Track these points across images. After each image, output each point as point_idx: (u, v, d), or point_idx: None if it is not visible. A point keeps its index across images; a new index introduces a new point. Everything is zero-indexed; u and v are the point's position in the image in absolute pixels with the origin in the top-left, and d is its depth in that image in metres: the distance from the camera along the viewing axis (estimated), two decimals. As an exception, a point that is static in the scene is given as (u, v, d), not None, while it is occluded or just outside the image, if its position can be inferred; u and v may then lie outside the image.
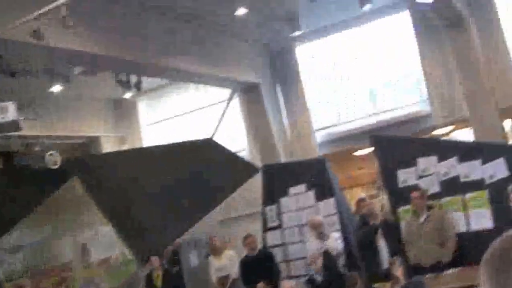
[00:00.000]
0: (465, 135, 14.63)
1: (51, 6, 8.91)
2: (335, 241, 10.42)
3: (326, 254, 10.14)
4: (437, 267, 9.32)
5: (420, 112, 14.96)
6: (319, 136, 15.81)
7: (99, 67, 12.69)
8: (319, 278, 9.94)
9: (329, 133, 15.97)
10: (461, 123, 14.30)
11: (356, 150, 16.82)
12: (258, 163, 14.41)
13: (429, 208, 9.67)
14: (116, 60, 12.22)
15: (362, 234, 10.52)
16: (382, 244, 10.16)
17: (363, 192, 16.22)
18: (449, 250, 9.40)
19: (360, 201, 10.94)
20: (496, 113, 13.67)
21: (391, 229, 10.15)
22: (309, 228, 10.74)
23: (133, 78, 13.01)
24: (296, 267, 11.33)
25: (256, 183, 13.38)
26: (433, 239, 9.44)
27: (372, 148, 17.40)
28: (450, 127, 15.02)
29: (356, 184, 17.27)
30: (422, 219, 9.58)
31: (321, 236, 10.38)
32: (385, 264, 10.03)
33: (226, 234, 14.24)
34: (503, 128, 13.99)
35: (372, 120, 15.48)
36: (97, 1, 11.43)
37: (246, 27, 14.67)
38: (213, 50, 14.41)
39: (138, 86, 13.12)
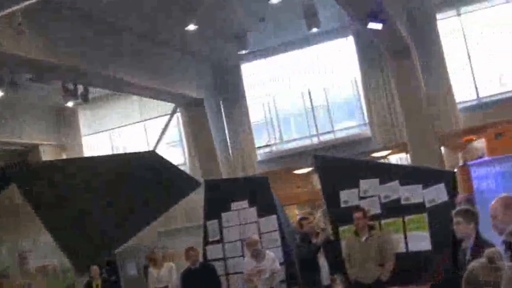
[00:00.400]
0: (402, 159, 14.95)
1: (5, 12, 8.75)
2: (271, 261, 10.42)
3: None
4: (376, 285, 9.47)
5: (360, 135, 15.23)
6: (260, 154, 15.90)
7: (47, 75, 12.49)
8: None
9: (271, 151, 16.08)
10: (399, 147, 14.62)
11: (295, 169, 16.98)
12: (199, 178, 14.40)
13: (371, 228, 9.83)
14: (64, 68, 12.06)
15: (303, 252, 10.58)
16: (323, 262, 10.25)
17: (298, 209, 16.38)
18: (388, 270, 9.58)
19: (302, 219, 11.02)
20: (434, 139, 14.03)
21: (332, 248, 10.27)
22: (245, 247, 10.76)
23: (80, 88, 12.85)
24: (236, 281, 11.32)
25: (197, 198, 13.34)
26: (374, 258, 9.59)
27: (311, 168, 17.69)
28: (388, 151, 15.34)
29: (292, 202, 17.39)
30: (363, 239, 9.73)
31: (256, 255, 10.39)
32: (325, 281, 10.14)
33: (165, 246, 14.13)
34: (441, 154, 14.34)
35: (313, 141, 15.67)
36: (50, 10, 11.28)
37: (194, 43, 14.69)
38: (159, 64, 14.38)
39: (85, 96, 12.97)
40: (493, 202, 5.59)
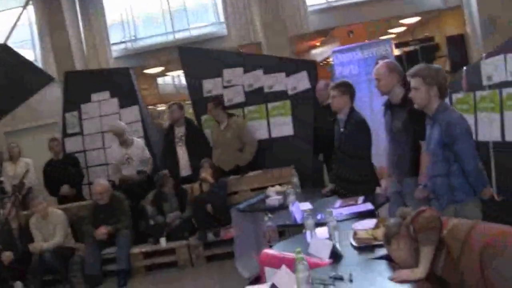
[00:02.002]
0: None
1: None
2: (139, 149, 10.27)
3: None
4: (239, 170, 9.64)
5: (216, 33, 15.12)
6: (115, 51, 15.38)
7: None
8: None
9: (126, 48, 15.61)
10: (253, 46, 14.69)
11: (147, 68, 16.70)
12: (53, 74, 13.87)
13: (230, 116, 9.89)
14: None
15: (164, 142, 10.55)
16: (182, 153, 10.23)
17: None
18: (247, 156, 9.73)
19: (169, 107, 10.82)
20: (286, 40, 14.25)
21: (196, 136, 10.26)
22: (111, 135, 10.47)
23: None
24: (96, 173, 11.10)
25: (48, 94, 12.82)
26: (233, 145, 9.69)
27: (163, 68, 17.49)
28: (242, 50, 15.37)
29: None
30: (222, 127, 9.79)
31: (124, 142, 10.21)
32: (184, 172, 10.14)
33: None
34: (292, 53, 14.56)
35: (168, 38, 15.40)
36: None
37: None
38: None
39: None
40: (377, 66, 5.81)
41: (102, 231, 8.94)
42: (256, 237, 7.52)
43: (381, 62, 5.90)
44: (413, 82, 4.74)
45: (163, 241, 9.04)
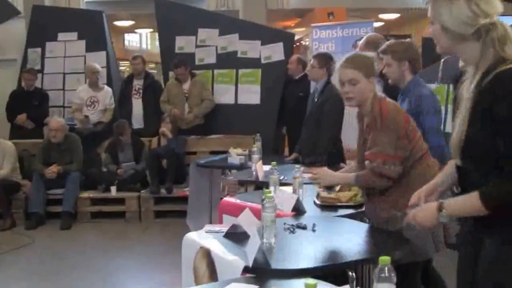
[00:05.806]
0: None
1: None
2: (108, 95, 10.23)
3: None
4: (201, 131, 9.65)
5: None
6: (89, -4, 15.07)
7: None
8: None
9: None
10: (230, 14, 14.61)
11: (119, 19, 16.52)
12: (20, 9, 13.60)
13: (192, 76, 9.86)
14: None
15: (121, 92, 10.51)
16: (138, 105, 10.20)
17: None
18: (203, 109, 9.76)
19: (133, 58, 10.73)
20: (264, 13, 14.21)
21: (154, 91, 10.20)
22: (86, 74, 10.31)
23: None
24: (52, 114, 10.92)
25: (11, 28, 12.51)
26: (195, 102, 9.72)
27: (132, 22, 17.30)
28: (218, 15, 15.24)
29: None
30: (186, 86, 9.73)
31: (94, 84, 10.14)
32: (137, 122, 10.11)
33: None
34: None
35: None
36: None
37: None
38: None
39: None
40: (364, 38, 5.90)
41: (52, 170, 8.82)
42: (211, 195, 7.56)
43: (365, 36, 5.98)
44: (385, 59, 4.78)
45: (113, 189, 8.99)
